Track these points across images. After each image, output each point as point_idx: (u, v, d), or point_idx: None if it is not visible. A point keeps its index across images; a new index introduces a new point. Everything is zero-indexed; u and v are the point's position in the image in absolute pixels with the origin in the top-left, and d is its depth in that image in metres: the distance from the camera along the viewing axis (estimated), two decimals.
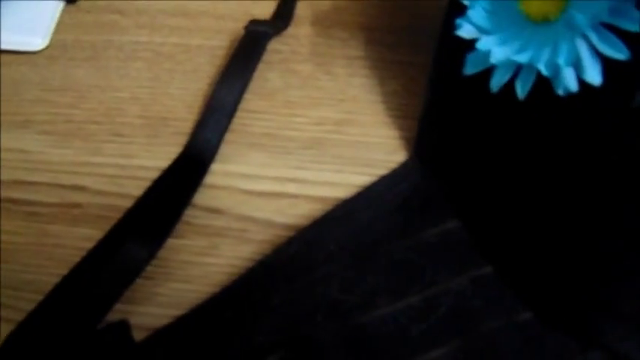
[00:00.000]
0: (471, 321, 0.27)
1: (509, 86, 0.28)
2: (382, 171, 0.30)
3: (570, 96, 0.27)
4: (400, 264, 0.28)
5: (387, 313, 0.27)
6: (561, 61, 0.26)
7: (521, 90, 0.27)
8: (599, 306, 0.27)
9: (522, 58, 0.27)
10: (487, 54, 0.28)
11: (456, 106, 0.29)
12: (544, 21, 0.27)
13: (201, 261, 0.29)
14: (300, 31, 0.35)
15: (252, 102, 0.33)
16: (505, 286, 0.28)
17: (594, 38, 0.26)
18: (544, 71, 0.26)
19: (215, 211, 0.30)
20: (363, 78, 0.33)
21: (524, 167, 0.28)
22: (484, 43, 0.27)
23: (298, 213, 0.29)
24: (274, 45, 0.35)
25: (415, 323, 0.27)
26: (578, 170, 0.26)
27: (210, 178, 0.31)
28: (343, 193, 0.29)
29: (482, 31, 0.28)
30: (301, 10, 0.36)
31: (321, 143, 0.31)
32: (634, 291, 0.26)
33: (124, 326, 0.27)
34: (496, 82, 0.28)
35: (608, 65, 0.26)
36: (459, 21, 0.29)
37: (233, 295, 0.27)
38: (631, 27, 0.25)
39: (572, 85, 0.26)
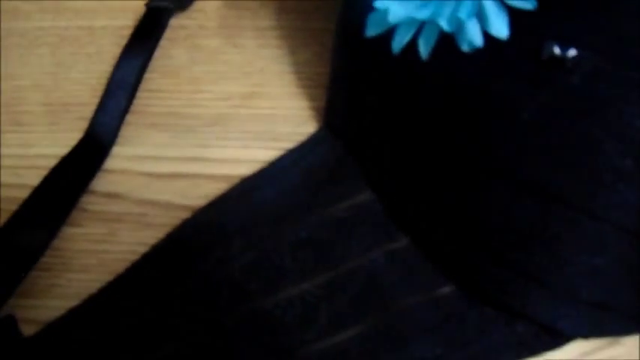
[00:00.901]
0: (386, 298, 0.25)
1: (414, 46, 0.27)
2: (291, 144, 0.28)
3: (477, 52, 0.25)
4: (307, 242, 0.26)
5: (294, 295, 0.25)
6: (463, 14, 0.24)
7: (424, 49, 0.25)
8: (522, 276, 0.25)
9: (423, 14, 0.25)
10: (387, 13, 0.26)
11: (361, 71, 0.27)
12: None
13: (100, 249, 0.27)
14: (207, 5, 0.33)
15: (156, 81, 0.31)
16: (423, 259, 0.26)
17: None
18: (445, 27, 0.24)
19: (113, 196, 0.28)
20: (272, 49, 0.31)
21: (434, 131, 0.26)
22: (383, 2, 0.26)
23: (201, 194, 0.27)
24: (180, 20, 0.33)
25: (325, 304, 0.25)
26: (489, 130, 0.25)
27: (109, 163, 0.29)
28: (249, 170, 0.28)
29: None
30: None
31: (226, 119, 0.30)
32: (557, 259, 0.24)
33: (10, 321, 0.25)
34: (398, 43, 0.26)
35: (513, 16, 0.24)
36: None
37: (127, 284, 0.26)
38: None
39: (477, 39, 0.25)
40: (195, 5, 0.33)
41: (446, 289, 0.26)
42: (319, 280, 0.26)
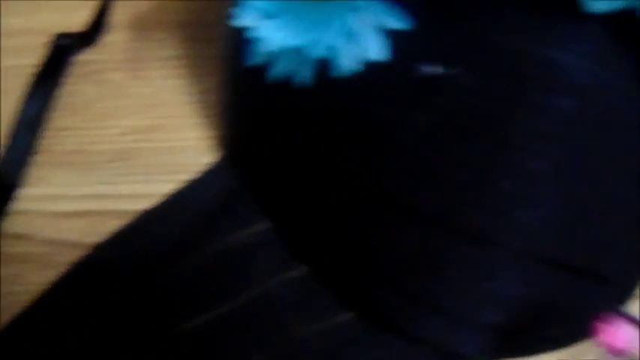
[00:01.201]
0: (285, 326, 0.26)
1: (294, 73, 0.26)
2: (191, 176, 0.28)
3: (355, 76, 0.25)
4: (205, 272, 0.26)
5: (196, 326, 0.26)
6: (337, 40, 0.24)
7: (303, 76, 0.25)
8: (418, 302, 0.25)
9: (298, 41, 0.25)
10: (262, 42, 0.26)
11: (247, 100, 0.28)
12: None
13: (6, 290, 0.27)
14: (116, 38, 0.33)
15: (63, 118, 0.31)
16: (321, 286, 0.26)
17: (376, 9, 0.24)
18: (321, 53, 0.25)
19: (20, 237, 0.28)
20: (177, 79, 0.31)
21: (321, 157, 0.26)
22: (261, 30, 0.26)
23: (107, 231, 0.27)
24: (87, 56, 0.33)
25: (225, 334, 0.26)
26: (371, 155, 0.25)
27: (15, 204, 0.29)
28: (151, 204, 0.28)
29: (268, 15, 0.27)
30: (119, 15, 0.34)
31: (130, 154, 0.30)
32: (449, 285, 0.24)
33: None
34: (277, 71, 0.26)
35: (390, 38, 0.25)
36: (241, 6, 0.27)
37: (20, 325, 0.26)
38: None
39: (353, 64, 0.25)
40: (105, 39, 0.34)
41: (345, 317, 0.26)
42: (219, 310, 0.26)
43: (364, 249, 0.25)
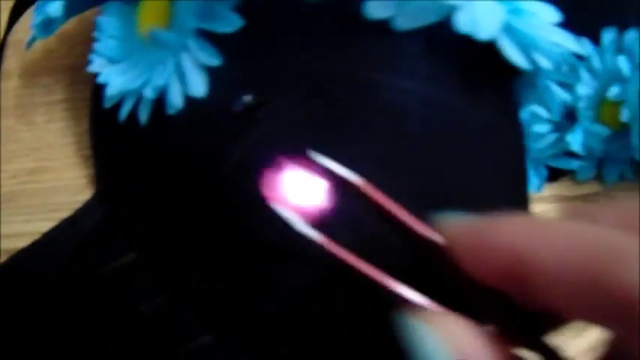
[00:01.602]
0: (161, 348, 0.27)
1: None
2: (67, 214, 0.30)
3: (184, 113, 0.26)
4: (75, 305, 0.28)
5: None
6: (161, 80, 0.26)
7: (141, 116, 0.27)
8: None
9: (133, 84, 0.27)
10: (107, 86, 0.28)
11: (108, 139, 0.29)
12: (156, 43, 0.27)
13: None
14: (6, 85, 0.35)
15: None
16: (186, 311, 0.28)
17: (194, 47, 0.25)
18: (150, 95, 0.26)
19: None
20: (60, 122, 0.33)
21: (170, 195, 0.27)
22: (104, 76, 0.28)
23: None
24: None
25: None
26: (200, 187, 0.26)
27: None
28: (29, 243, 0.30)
29: (112, 60, 0.28)
30: (11, 63, 0.36)
31: (14, 196, 0.32)
32: None
33: None
34: (123, 112, 0.28)
35: (212, 74, 0.26)
36: (91, 56, 0.29)
37: None
38: (225, 29, 0.25)
39: (177, 101, 0.26)
40: None
41: (206, 339, 0.27)
42: (93, 339, 0.28)
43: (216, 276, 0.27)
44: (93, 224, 0.29)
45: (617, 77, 0.30)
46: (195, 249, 0.27)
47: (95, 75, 0.28)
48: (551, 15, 0.27)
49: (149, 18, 0.27)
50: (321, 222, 0.18)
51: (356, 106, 0.25)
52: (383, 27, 0.24)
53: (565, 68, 0.30)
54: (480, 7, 0.23)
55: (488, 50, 0.25)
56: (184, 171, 0.26)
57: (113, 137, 0.29)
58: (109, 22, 0.29)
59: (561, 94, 0.29)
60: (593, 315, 0.14)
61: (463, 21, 0.23)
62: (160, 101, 0.26)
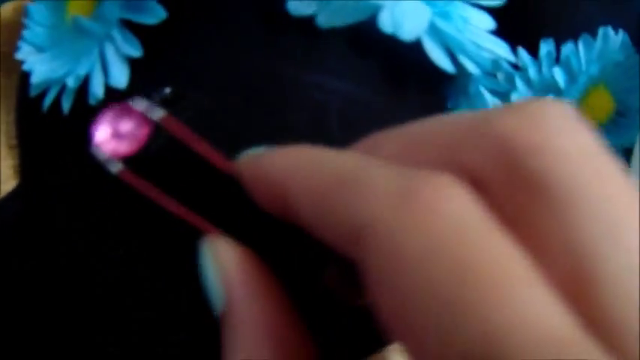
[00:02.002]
0: None
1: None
2: None
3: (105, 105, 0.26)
4: None
5: None
6: (83, 69, 0.25)
7: (65, 105, 0.27)
8: None
9: (57, 73, 0.26)
10: (31, 73, 0.27)
11: (36, 129, 0.29)
12: (80, 31, 0.26)
13: None
14: None
15: None
16: None
17: (117, 37, 0.25)
18: (71, 84, 0.26)
19: None
20: None
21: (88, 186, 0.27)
22: (29, 64, 0.27)
23: None
24: None
25: None
26: None
27: None
28: None
29: (39, 48, 0.28)
30: None
31: None
32: None
33: None
34: (47, 101, 0.27)
35: (134, 65, 0.26)
36: (20, 43, 0.28)
37: None
38: (149, 20, 0.25)
39: (99, 91, 0.26)
40: None
41: None
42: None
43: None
44: (15, 216, 0.29)
45: (552, 88, 0.30)
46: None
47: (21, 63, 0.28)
48: (486, 22, 0.27)
49: (76, 7, 0.27)
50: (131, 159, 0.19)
51: (276, 101, 0.24)
52: (308, 25, 0.24)
53: (500, 76, 0.30)
54: (404, 7, 0.23)
55: (416, 52, 0.25)
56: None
57: (37, 127, 0.28)
58: (38, 10, 0.28)
59: (494, 102, 0.28)
60: (335, 241, 0.14)
61: (387, 21, 0.23)
62: (82, 90, 0.26)
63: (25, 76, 0.28)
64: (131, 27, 0.25)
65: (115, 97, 0.25)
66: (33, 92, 0.27)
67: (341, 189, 0.14)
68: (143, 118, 0.19)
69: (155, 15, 0.25)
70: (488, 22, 0.27)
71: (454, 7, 0.26)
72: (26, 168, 0.29)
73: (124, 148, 0.19)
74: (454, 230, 0.12)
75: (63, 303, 0.26)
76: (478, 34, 0.27)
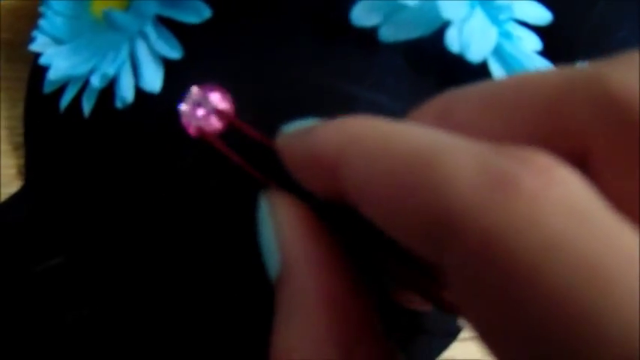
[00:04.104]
0: None
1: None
2: None
3: (133, 109, 0.24)
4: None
5: None
6: (111, 69, 0.23)
7: (85, 106, 0.24)
8: None
9: (79, 70, 0.24)
10: (49, 69, 0.25)
11: (48, 129, 0.26)
12: (110, 25, 0.24)
13: None
14: None
15: None
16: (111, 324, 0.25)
17: (152, 35, 0.23)
18: (96, 83, 0.23)
19: None
20: None
21: (110, 192, 0.25)
22: (47, 57, 0.24)
23: None
24: None
25: None
26: (148, 189, 0.24)
27: None
28: None
29: (58, 40, 0.25)
30: None
31: None
32: None
33: None
34: (64, 100, 0.25)
35: (168, 67, 0.23)
36: (34, 33, 0.26)
37: None
38: (191, 19, 0.23)
39: (128, 95, 0.23)
40: None
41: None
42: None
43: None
44: (18, 220, 0.26)
45: None
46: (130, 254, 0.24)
47: (37, 55, 0.25)
48: (535, 43, 0.26)
49: None
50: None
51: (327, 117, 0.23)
52: (367, 37, 0.22)
53: None
54: (473, 25, 0.22)
55: (474, 72, 0.23)
56: (128, 172, 0.23)
57: (50, 126, 0.25)
58: None
59: None
60: (398, 231, 0.12)
61: (454, 39, 0.22)
62: (107, 92, 0.23)
63: (38, 70, 0.25)
64: (168, 24, 0.23)
65: (144, 102, 0.23)
66: (47, 89, 0.25)
67: (414, 170, 0.11)
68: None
69: (198, 13, 0.22)
70: (536, 43, 0.26)
71: (512, 27, 0.25)
72: (33, 170, 0.27)
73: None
74: (574, 225, 0.10)
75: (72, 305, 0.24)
76: (531, 56, 0.25)
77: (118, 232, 0.24)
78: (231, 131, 0.21)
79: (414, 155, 0.11)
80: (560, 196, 0.10)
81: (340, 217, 0.14)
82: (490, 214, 0.10)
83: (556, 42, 0.26)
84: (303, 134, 0.14)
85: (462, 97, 0.13)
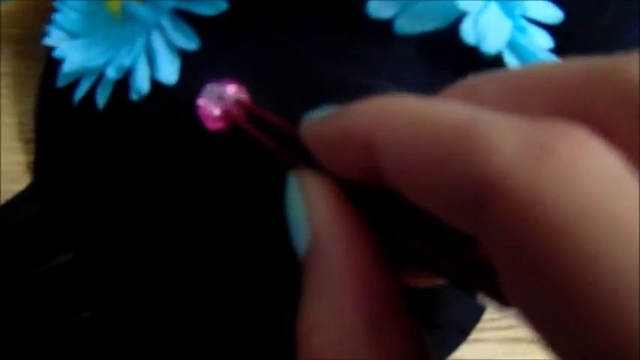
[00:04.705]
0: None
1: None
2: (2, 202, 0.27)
3: (148, 101, 0.24)
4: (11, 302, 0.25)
5: None
6: (128, 60, 0.23)
7: (99, 99, 0.24)
8: None
9: (96, 62, 0.24)
10: (64, 62, 0.25)
11: (61, 123, 0.26)
12: (127, 18, 0.24)
13: None
14: None
15: None
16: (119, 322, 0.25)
17: (168, 26, 0.23)
18: (112, 75, 0.23)
19: None
20: (2, 99, 0.29)
21: (123, 189, 0.25)
22: (61, 50, 0.24)
23: None
24: None
25: None
26: (160, 182, 0.24)
27: None
28: None
29: (73, 35, 0.25)
30: None
31: None
32: None
33: None
34: (78, 93, 0.25)
35: (184, 59, 0.23)
36: (48, 27, 0.26)
37: None
38: (207, 11, 0.23)
39: (144, 86, 0.23)
40: None
41: None
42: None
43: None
44: (27, 217, 0.26)
45: None
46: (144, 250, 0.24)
47: (50, 49, 0.25)
48: (546, 41, 0.26)
49: None
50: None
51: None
52: (383, 29, 0.22)
53: None
54: (488, 17, 0.22)
55: (489, 64, 0.23)
56: (142, 164, 0.23)
57: (62, 121, 0.25)
58: None
59: None
60: (437, 204, 0.12)
61: (470, 31, 0.22)
62: (122, 84, 0.23)
63: (52, 64, 0.25)
64: (185, 16, 0.23)
65: (160, 94, 0.23)
66: (61, 82, 0.25)
67: (454, 140, 0.11)
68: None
69: (215, 5, 0.22)
70: (547, 41, 0.26)
71: (524, 24, 0.25)
72: (43, 166, 0.26)
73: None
74: (611, 190, 0.10)
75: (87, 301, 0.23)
76: (544, 53, 0.26)
77: (132, 228, 0.24)
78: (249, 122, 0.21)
79: (452, 125, 0.11)
80: (597, 165, 0.10)
81: (366, 199, 0.14)
82: (532, 180, 0.10)
83: (567, 41, 0.26)
84: (330, 117, 0.14)
85: (486, 81, 0.13)
